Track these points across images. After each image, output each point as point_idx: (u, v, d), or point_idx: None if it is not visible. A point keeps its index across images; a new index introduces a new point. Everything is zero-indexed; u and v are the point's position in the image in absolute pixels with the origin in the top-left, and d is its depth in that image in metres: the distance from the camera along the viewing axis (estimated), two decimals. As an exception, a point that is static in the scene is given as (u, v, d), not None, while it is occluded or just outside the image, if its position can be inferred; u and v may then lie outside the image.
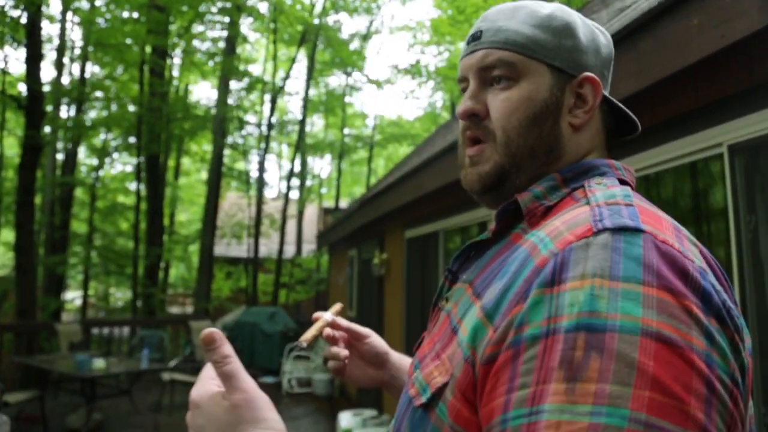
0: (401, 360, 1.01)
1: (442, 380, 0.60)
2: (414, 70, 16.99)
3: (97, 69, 14.41)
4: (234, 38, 14.35)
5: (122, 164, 18.85)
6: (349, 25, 38.87)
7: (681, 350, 0.48)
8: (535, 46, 0.72)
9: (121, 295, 20.07)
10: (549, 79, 0.72)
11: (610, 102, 0.77)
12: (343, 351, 0.93)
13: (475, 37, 0.76)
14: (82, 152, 17.12)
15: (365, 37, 19.19)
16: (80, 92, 12.53)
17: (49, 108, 10.84)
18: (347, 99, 20.40)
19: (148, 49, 12.45)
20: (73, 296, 19.26)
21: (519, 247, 0.63)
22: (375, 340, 0.99)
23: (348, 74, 17.07)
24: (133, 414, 6.77)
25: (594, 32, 0.78)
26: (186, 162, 21.18)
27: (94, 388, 6.38)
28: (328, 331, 0.94)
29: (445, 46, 16.12)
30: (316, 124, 24.64)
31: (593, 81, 0.73)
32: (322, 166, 22.52)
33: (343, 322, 0.97)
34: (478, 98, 0.74)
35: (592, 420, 0.45)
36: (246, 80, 15.15)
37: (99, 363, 6.15)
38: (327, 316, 0.95)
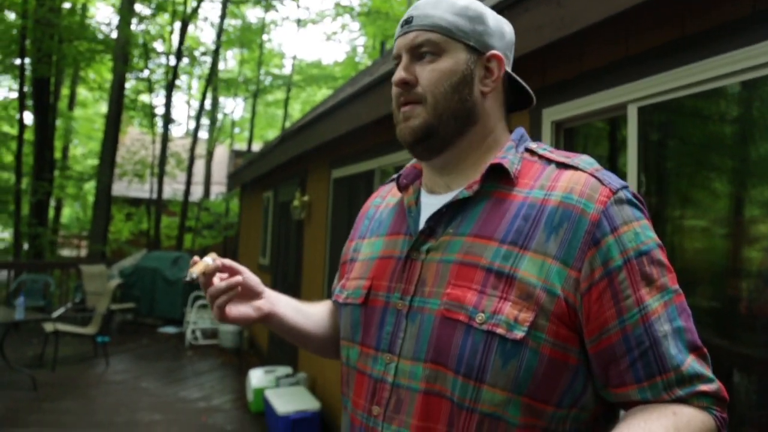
0: (272, 292, 1.10)
1: (530, 316, 0.80)
2: (337, 11, 15.96)
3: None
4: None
5: (8, 90, 16.71)
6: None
7: (660, 244, 0.86)
8: (455, 29, 0.92)
9: (6, 236, 18.20)
10: (465, 55, 0.92)
11: (511, 80, 0.99)
12: (235, 277, 0.99)
13: (408, 22, 0.94)
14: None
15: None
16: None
17: None
18: (265, 36, 19.05)
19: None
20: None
21: (533, 206, 0.86)
22: (249, 274, 1.04)
23: (269, 2, 15.71)
24: (5, 370, 5.85)
25: (500, 21, 0.99)
26: (84, 92, 19.15)
27: (-45, 341, 5.41)
28: (214, 263, 0.99)
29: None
30: (230, 62, 23.04)
31: (498, 57, 0.95)
32: (234, 106, 21.07)
33: (224, 260, 1.02)
34: (409, 70, 0.93)
35: (663, 299, 0.82)
36: (153, 3, 13.56)
37: (-40, 311, 5.19)
38: (207, 259, 0.99)
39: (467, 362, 0.81)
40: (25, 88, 11.61)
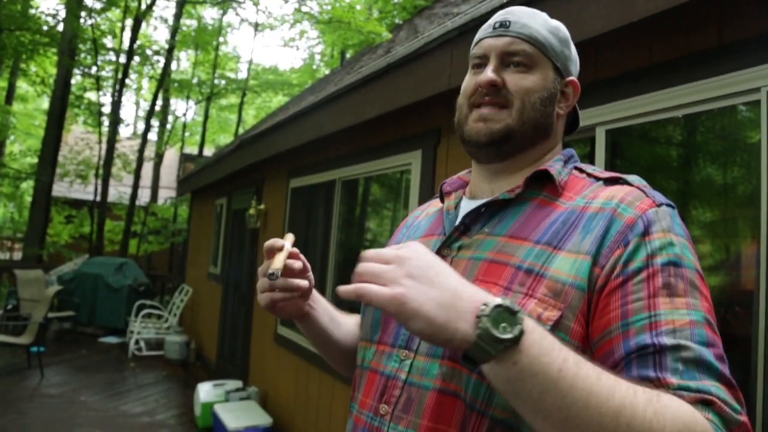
0: (315, 292, 1.07)
1: (555, 315, 0.75)
2: (297, 18, 15.77)
3: None
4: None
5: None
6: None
7: (702, 275, 0.77)
8: (549, 46, 0.93)
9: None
10: (552, 74, 0.94)
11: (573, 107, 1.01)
12: (302, 281, 0.97)
13: (504, 25, 0.93)
14: None
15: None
16: None
17: None
18: (221, 38, 18.66)
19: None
20: None
21: (573, 212, 0.84)
22: (311, 275, 1.02)
23: (228, 3, 15.35)
24: (-72, 381, 5.43)
25: (575, 50, 1.00)
26: (24, 86, 18.23)
27: None
28: (295, 262, 0.96)
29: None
30: (183, 63, 22.45)
31: (575, 85, 0.98)
32: (186, 108, 20.50)
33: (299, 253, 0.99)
34: (498, 73, 0.91)
35: (689, 317, 0.71)
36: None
37: None
38: (288, 245, 0.94)
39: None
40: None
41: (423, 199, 3.08)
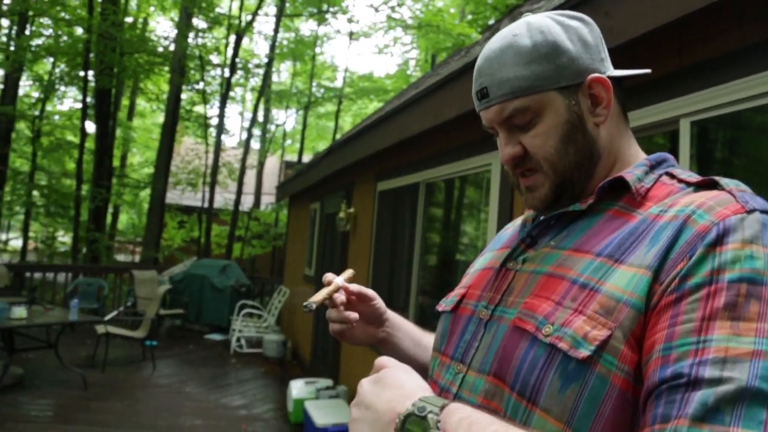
0: (396, 318, 1.11)
1: (603, 334, 0.67)
2: (390, 25, 16.02)
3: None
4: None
5: (73, 100, 17.51)
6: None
7: None
8: (539, 81, 0.80)
9: (67, 240, 19.02)
10: (562, 100, 0.81)
11: (614, 77, 0.85)
12: (352, 314, 1.04)
13: (483, 95, 0.84)
14: (25, 84, 15.76)
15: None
16: (23, 8, 11.22)
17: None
18: (317, 49, 19.34)
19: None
20: (13, 238, 18.06)
21: (644, 221, 0.74)
22: (380, 302, 1.08)
23: (322, 15, 15.90)
24: (60, 369, 6.06)
25: (573, 29, 0.83)
26: (142, 103, 19.89)
27: (13, 340, 5.64)
28: (338, 296, 1.03)
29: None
30: (283, 74, 23.47)
31: (600, 80, 0.82)
32: (286, 117, 21.42)
33: (353, 287, 1.06)
34: (513, 143, 0.84)
35: (754, 347, 0.57)
36: (209, 18, 13.96)
37: (19, 312, 5.40)
38: (338, 280, 1.03)
39: (524, 378, 0.71)
40: (88, 99, 12.14)
41: (503, 201, 3.05)
